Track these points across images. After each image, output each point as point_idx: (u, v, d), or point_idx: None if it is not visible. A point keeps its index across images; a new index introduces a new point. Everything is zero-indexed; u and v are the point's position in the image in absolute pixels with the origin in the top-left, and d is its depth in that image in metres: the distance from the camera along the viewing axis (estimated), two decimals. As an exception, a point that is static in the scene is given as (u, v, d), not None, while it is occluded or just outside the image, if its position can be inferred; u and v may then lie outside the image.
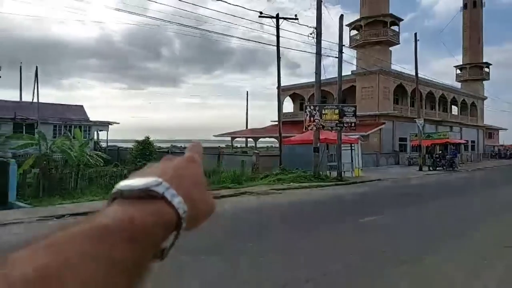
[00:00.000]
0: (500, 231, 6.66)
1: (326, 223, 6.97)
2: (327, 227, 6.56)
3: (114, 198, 0.35)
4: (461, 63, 46.46)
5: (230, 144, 41.93)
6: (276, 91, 22.45)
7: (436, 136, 28.14)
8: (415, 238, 6.00)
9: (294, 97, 41.50)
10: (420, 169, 23.48)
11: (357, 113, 32.50)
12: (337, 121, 15.80)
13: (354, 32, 35.44)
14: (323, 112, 15.81)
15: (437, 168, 24.45)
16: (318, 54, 16.04)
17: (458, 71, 47.08)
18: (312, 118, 15.77)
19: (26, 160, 13.56)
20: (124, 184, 0.35)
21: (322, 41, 16.08)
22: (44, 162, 14.25)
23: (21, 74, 32.24)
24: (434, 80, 37.87)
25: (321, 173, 16.19)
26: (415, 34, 24.88)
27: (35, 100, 23.99)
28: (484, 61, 45.53)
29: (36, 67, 26.37)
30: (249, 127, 43.21)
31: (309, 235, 5.95)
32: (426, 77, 35.96)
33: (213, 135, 41.39)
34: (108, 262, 0.29)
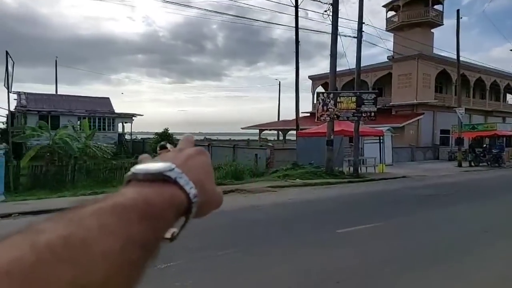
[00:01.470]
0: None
1: (287, 236, 5.58)
2: (285, 241, 5.25)
3: (129, 180, 0.37)
4: (519, 46, 41.30)
5: (264, 137, 40.97)
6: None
7: (482, 128, 24.99)
8: (397, 258, 4.58)
9: (326, 86, 39.37)
10: (459, 165, 20.86)
11: (393, 103, 30.65)
12: (354, 110, 14.10)
13: (391, 13, 32.58)
14: (338, 100, 14.16)
15: (480, 164, 21.66)
16: (334, 34, 14.37)
17: (515, 55, 41.99)
18: (325, 107, 14.21)
19: (27, 152, 13.53)
20: (139, 167, 0.37)
21: (347, 21, 14.36)
22: (47, 154, 14.14)
23: (56, 68, 33.51)
24: (485, 65, 33.95)
25: (335, 168, 14.66)
26: (458, 11, 22.02)
27: (59, 92, 24.54)
28: (547, 42, 40.08)
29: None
30: (282, 119, 41.80)
31: (248, 254, 4.74)
32: (475, 62, 32.35)
33: (241, 128, 40.52)
34: (125, 237, 0.30)
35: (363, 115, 14.15)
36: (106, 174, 13.43)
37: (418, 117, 28.25)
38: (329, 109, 14.12)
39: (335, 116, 14.13)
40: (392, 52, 29.48)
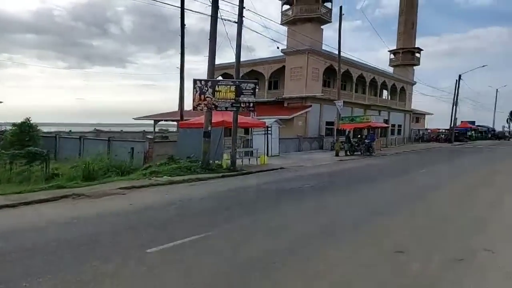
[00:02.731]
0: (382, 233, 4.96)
1: (59, 270, 4.11)
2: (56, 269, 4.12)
3: None
4: (395, 48, 46.75)
5: (165, 128, 38.52)
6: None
7: (359, 120, 27.35)
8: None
9: (226, 77, 38.88)
10: (337, 155, 22.43)
11: (285, 95, 31.69)
12: (233, 100, 13.61)
13: (286, 7, 33.35)
14: (217, 89, 13.50)
15: (355, 153, 23.66)
16: (213, 17, 13.56)
17: (392, 56, 47.38)
18: (202, 96, 13.42)
19: None
20: None
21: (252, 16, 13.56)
22: None
23: None
24: (366, 63, 37.33)
25: (213, 162, 14.09)
26: (340, 7, 23.28)
27: None
28: (416, 46, 46.12)
29: None
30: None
31: None
32: (359, 60, 35.26)
33: (133, 118, 37.55)
34: None
35: (242, 105, 13.77)
36: None
37: (306, 110, 29.65)
38: (207, 98, 13.37)
39: (212, 105, 13.46)
40: (279, 45, 30.28)
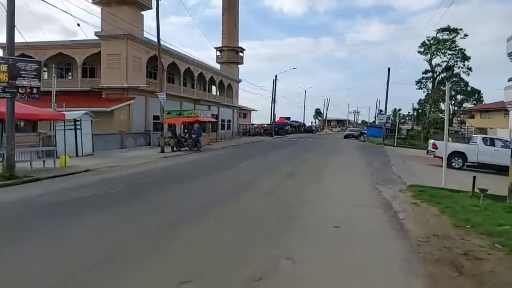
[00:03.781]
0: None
1: None
2: None
3: None
4: (221, 46, 48.20)
5: None
6: None
7: (187, 114, 26.36)
8: None
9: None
10: (162, 151, 20.72)
11: (102, 85, 27.81)
12: (5, 84, 10.02)
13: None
14: (-23, 68, 9.64)
15: (182, 149, 22.50)
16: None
17: (218, 53, 48.71)
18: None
19: None
20: None
21: None
22: None
23: None
24: (193, 57, 36.77)
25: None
26: (157, -5, 21.41)
27: None
28: (239, 46, 48.71)
29: None
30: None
31: None
32: (185, 53, 34.29)
33: None
34: None
35: (20, 91, 10.31)
36: None
37: (129, 102, 26.70)
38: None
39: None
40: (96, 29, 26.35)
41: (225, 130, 44.39)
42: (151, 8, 29.32)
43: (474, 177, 8.61)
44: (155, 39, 22.87)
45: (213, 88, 45.63)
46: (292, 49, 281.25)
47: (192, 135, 23.11)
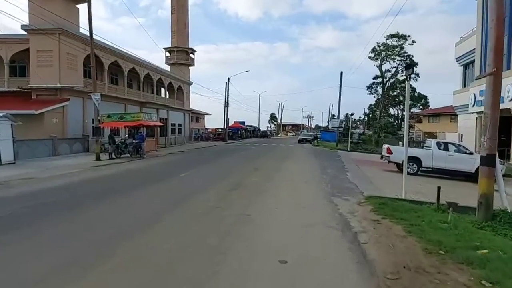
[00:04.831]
0: None
1: None
2: None
3: None
4: (170, 46, 45.87)
5: None
6: None
7: (130, 118, 23.97)
8: None
9: None
10: (98, 158, 18.33)
11: (32, 85, 24.62)
12: None
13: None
14: None
15: (122, 156, 20.22)
16: None
17: (168, 54, 46.30)
18: None
19: None
20: None
21: None
22: None
23: None
24: (139, 58, 34.29)
25: None
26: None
27: None
28: (190, 47, 46.67)
29: None
30: None
31: None
32: (129, 53, 31.76)
33: None
34: None
35: None
36: None
37: (62, 103, 23.79)
38: None
39: None
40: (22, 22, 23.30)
41: (175, 134, 42.05)
42: (85, 2, 26.57)
43: (439, 188, 7.67)
44: (103, 41, 20.40)
45: (162, 90, 43.18)
46: (247, 54, 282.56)
47: (133, 141, 20.87)
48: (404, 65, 48.35)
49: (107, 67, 29.03)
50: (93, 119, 26.40)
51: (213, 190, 9.96)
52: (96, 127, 19.71)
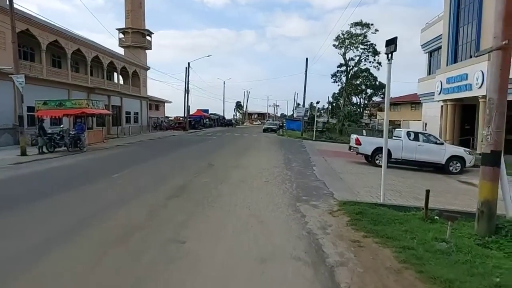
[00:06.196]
0: None
1: None
2: None
3: None
4: (124, 27, 42.14)
5: None
6: None
7: (70, 105, 21.01)
8: None
9: None
10: (23, 153, 15.50)
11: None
12: None
13: None
14: None
15: (57, 150, 17.43)
16: None
17: (122, 36, 42.55)
18: None
19: None
20: None
21: None
22: None
23: None
24: (86, 39, 30.73)
25: None
26: None
27: None
28: (146, 28, 43.17)
29: None
30: None
31: None
32: (74, 32, 28.17)
33: None
34: None
35: None
36: None
37: (-15, 89, 20.37)
38: None
39: None
40: None
41: (131, 124, 38.90)
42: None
43: (428, 191, 6.15)
44: (26, 11, 17.22)
45: (116, 75, 39.66)
46: (213, 41, 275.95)
47: (71, 132, 18.07)
48: (366, 55, 47.82)
49: (45, 48, 25.50)
50: (28, 107, 23.12)
51: (145, 198, 7.76)
52: (20, 116, 16.75)
